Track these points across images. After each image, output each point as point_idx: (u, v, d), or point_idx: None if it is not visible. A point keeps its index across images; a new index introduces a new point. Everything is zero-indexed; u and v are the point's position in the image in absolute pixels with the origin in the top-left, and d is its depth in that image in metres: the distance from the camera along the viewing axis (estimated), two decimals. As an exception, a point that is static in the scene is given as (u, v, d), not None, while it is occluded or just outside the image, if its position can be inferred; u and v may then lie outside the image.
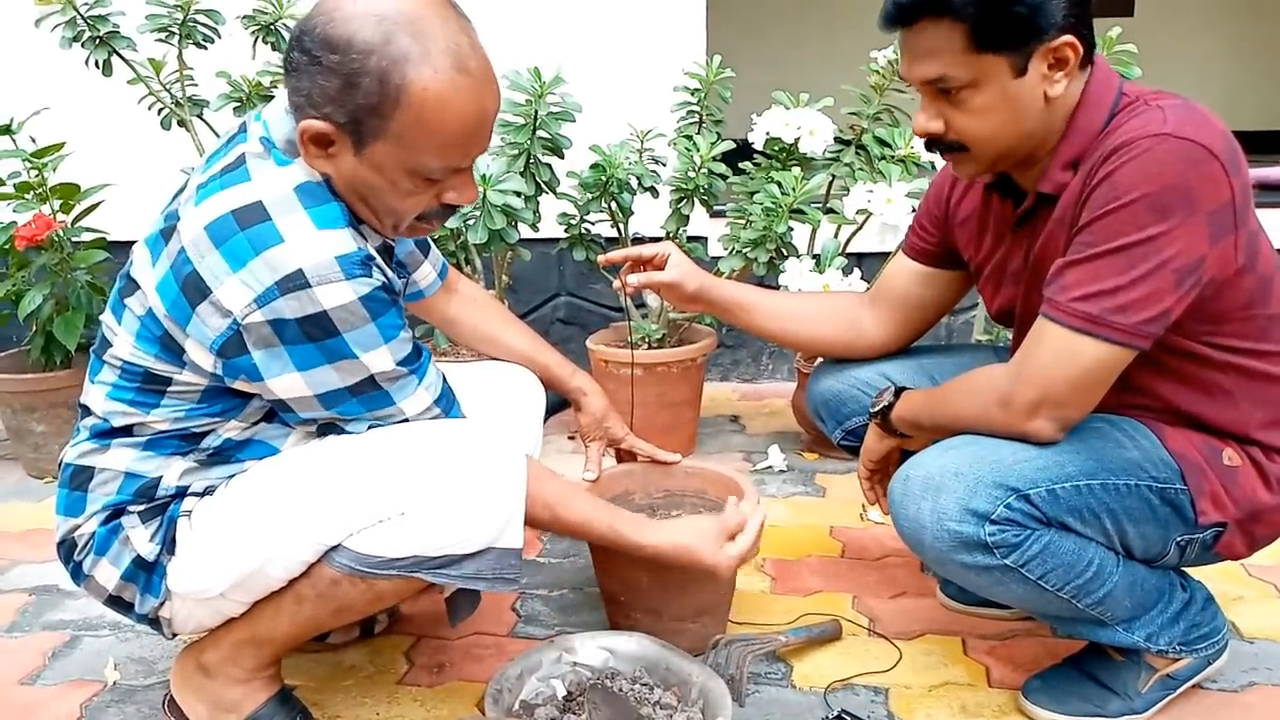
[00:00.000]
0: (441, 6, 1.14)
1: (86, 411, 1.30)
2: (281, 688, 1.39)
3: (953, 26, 1.20)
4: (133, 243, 1.27)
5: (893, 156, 2.33)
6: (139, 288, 1.22)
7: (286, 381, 1.17)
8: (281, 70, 1.18)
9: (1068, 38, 1.21)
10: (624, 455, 1.77)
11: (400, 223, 1.23)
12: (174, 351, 1.20)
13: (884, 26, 1.26)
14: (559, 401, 1.99)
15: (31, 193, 2.38)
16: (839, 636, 1.64)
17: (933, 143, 1.31)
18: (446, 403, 1.29)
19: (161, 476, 1.27)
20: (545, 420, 2.37)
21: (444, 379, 1.30)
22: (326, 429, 1.26)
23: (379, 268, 1.18)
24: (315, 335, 1.14)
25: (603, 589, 1.64)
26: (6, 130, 2.38)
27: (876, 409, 1.49)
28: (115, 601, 1.31)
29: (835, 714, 1.42)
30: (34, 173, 2.38)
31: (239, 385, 1.21)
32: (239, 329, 1.14)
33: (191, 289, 1.15)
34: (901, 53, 1.28)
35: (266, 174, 1.17)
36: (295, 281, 1.11)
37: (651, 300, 2.51)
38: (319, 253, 1.12)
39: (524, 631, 1.69)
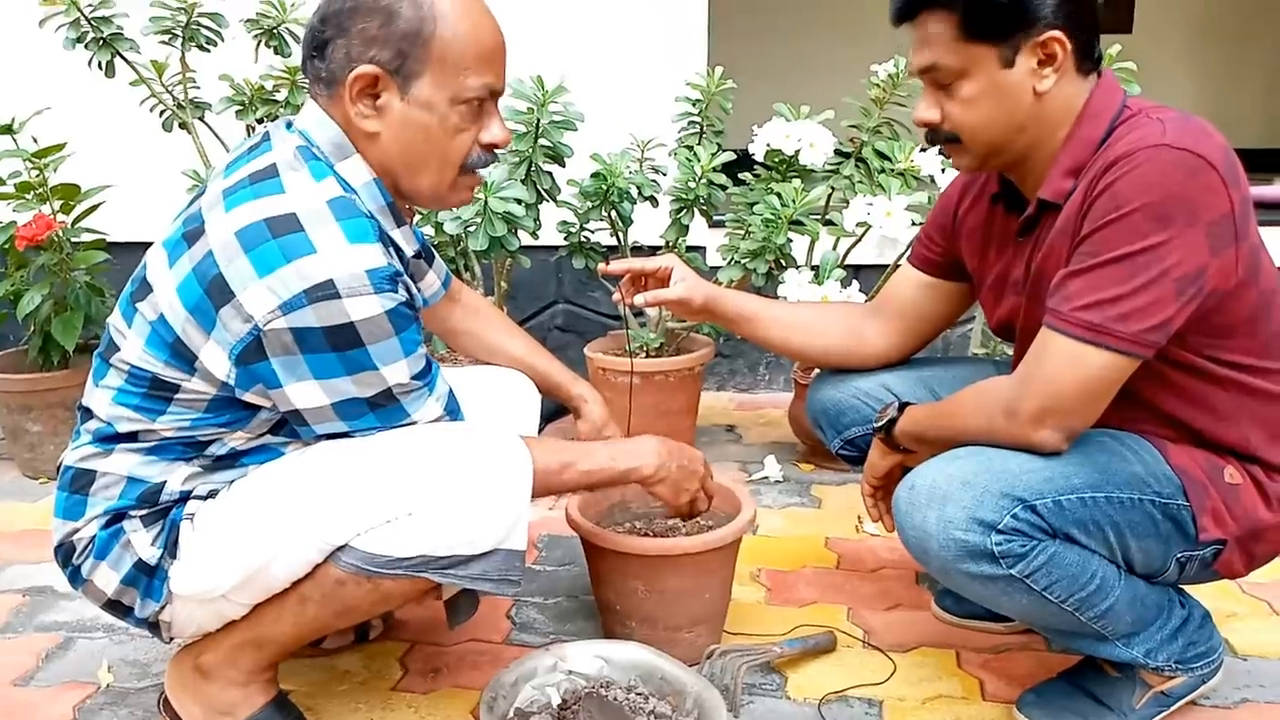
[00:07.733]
0: None
1: (89, 414, 1.29)
2: (279, 692, 1.38)
3: (945, 16, 1.27)
4: (132, 244, 1.27)
5: (892, 170, 2.33)
6: (152, 291, 1.23)
7: (304, 390, 1.18)
8: (303, 70, 1.25)
9: (1055, 34, 1.24)
10: (621, 464, 1.77)
11: (449, 175, 1.27)
12: (184, 358, 1.21)
13: (894, 22, 1.34)
14: (557, 409, 1.99)
15: (32, 193, 2.38)
16: (834, 648, 1.64)
17: (932, 135, 1.36)
18: (453, 411, 1.30)
19: (165, 482, 1.27)
20: (543, 428, 2.38)
21: (450, 388, 1.31)
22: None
23: (404, 284, 1.20)
24: (339, 345, 1.15)
25: (598, 597, 1.64)
26: (8, 130, 2.38)
27: (880, 424, 1.49)
28: (114, 606, 1.31)
29: (830, 726, 1.43)
30: (35, 173, 2.38)
31: (252, 397, 1.22)
32: (259, 334, 1.15)
33: (215, 292, 1.16)
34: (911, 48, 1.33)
35: (301, 186, 1.19)
36: (325, 291, 1.13)
37: (650, 309, 2.51)
38: (350, 265, 1.14)
39: (519, 639, 1.69)
